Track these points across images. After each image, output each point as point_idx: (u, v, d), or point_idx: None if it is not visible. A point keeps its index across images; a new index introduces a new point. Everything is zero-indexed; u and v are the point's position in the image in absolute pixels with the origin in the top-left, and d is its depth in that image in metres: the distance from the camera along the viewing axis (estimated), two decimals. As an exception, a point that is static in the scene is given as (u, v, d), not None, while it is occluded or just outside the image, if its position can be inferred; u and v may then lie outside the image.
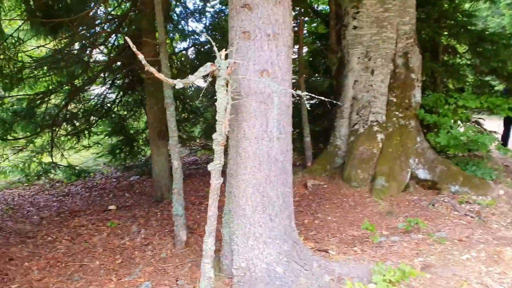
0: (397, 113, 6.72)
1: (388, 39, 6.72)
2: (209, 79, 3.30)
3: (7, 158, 7.47)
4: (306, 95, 3.29)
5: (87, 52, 6.78)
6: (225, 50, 3.18)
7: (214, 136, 3.25)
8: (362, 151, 6.42)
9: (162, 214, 5.84)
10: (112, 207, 6.48)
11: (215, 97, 3.25)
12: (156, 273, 3.91)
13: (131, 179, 8.57)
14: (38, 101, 7.16)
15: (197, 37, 8.28)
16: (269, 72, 3.47)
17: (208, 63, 3.14)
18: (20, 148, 7.61)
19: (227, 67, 3.16)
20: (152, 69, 2.94)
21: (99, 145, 9.20)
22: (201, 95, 7.91)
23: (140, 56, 2.84)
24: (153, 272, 3.93)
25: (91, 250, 4.58)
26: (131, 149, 8.97)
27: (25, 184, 8.66)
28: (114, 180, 8.77)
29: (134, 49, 2.86)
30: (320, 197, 5.99)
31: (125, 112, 8.87)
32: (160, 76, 3.03)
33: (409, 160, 6.41)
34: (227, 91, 3.23)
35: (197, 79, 3.18)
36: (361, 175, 6.23)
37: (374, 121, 6.62)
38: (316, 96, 3.46)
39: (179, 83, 3.06)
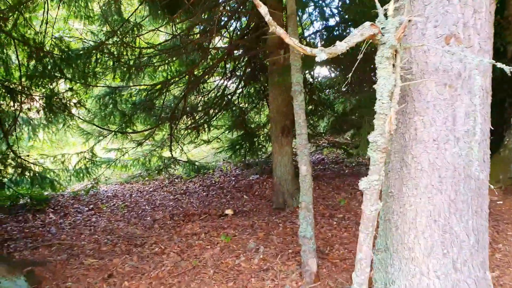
0: None
1: None
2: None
3: (126, 152, 7.19)
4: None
5: (207, 37, 6.06)
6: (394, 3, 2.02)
7: (371, 137, 2.11)
8: (558, 158, 4.65)
9: (285, 227, 4.84)
10: (228, 211, 5.69)
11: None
12: (277, 319, 2.90)
13: (251, 178, 7.77)
14: (157, 93, 6.69)
15: (328, 19, 7.08)
16: (460, 38, 2.19)
17: (366, 23, 2.01)
18: (140, 141, 7.29)
19: (397, 28, 1.98)
20: (281, 31, 1.88)
21: (219, 140, 8.60)
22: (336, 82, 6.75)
23: (263, 10, 1.81)
24: (274, 317, 2.92)
25: (200, 271, 3.75)
26: (251, 145, 8.20)
27: (146, 179, 8.44)
28: (233, 178, 8.07)
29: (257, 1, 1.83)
30: (496, 219, 4.42)
31: (246, 105, 8.11)
32: (292, 41, 1.96)
33: None
34: (394, 66, 2.06)
35: (348, 47, 2.05)
36: (556, 191, 4.50)
37: None
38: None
39: (321, 53, 1.96)
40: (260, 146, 8.25)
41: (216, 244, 4.40)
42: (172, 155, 7.72)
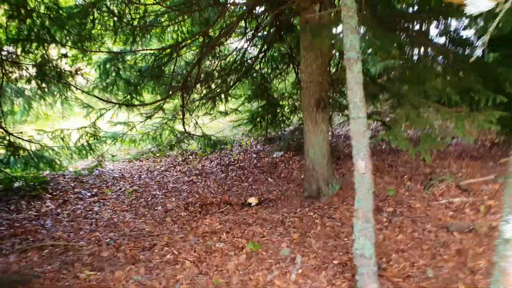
0: None
1: None
2: None
3: (134, 127, 6.32)
4: None
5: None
6: None
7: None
8: None
9: (323, 225, 3.98)
10: (252, 200, 4.86)
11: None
12: None
13: (274, 155, 6.87)
14: (166, 58, 5.74)
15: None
16: None
17: None
18: (148, 114, 6.39)
19: None
20: None
21: (238, 112, 7.67)
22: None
23: None
24: None
25: (223, 292, 2.94)
26: (274, 117, 7.29)
27: (157, 155, 7.62)
28: (254, 155, 7.16)
29: None
30: None
31: (269, 71, 7.10)
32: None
33: None
34: None
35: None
36: None
37: None
38: None
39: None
40: (284, 118, 7.32)
41: (241, 249, 3.57)
42: (185, 129, 6.86)
